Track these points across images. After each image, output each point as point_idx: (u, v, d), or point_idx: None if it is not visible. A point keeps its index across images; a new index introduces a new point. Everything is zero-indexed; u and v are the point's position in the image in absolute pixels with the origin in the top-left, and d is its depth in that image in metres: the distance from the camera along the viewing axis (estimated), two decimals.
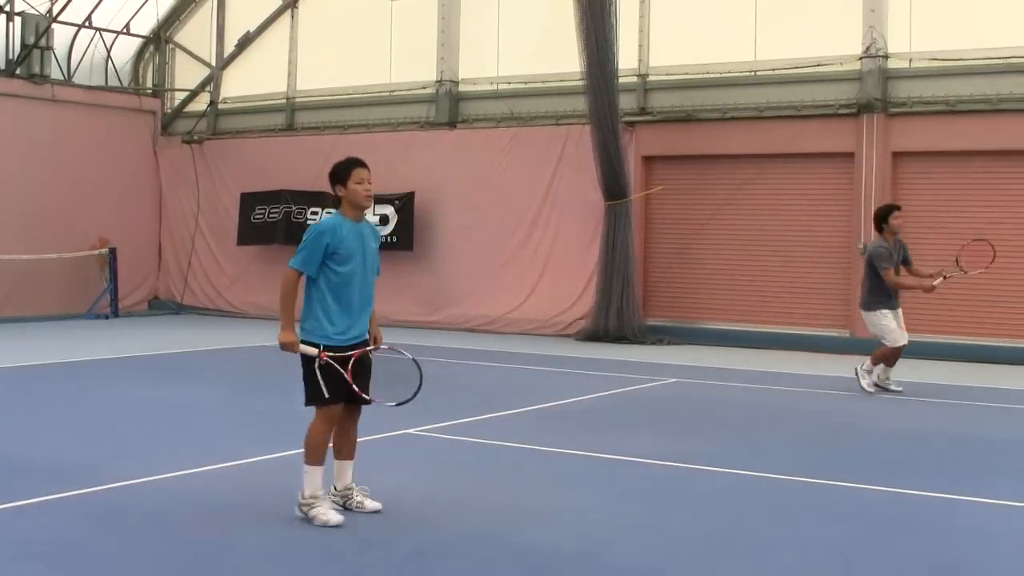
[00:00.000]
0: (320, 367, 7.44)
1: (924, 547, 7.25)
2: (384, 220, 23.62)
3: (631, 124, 21.79)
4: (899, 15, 20.07)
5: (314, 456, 7.54)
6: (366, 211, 7.85)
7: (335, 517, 7.37)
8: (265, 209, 25.08)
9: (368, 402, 7.62)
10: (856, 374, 14.59)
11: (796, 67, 20.79)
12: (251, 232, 25.57)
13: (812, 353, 19.67)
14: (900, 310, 14.48)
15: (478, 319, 23.05)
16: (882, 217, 14.46)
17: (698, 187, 21.72)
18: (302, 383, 7.53)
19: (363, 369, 7.67)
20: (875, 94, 20.00)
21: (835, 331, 20.32)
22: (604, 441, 10.63)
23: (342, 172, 7.74)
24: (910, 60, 20.01)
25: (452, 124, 24.25)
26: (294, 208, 24.87)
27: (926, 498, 8.62)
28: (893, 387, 14.58)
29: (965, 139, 19.35)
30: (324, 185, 24.63)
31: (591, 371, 16.75)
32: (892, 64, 20.13)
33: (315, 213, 24.18)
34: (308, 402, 7.59)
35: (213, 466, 8.67)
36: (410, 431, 10.68)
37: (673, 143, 21.75)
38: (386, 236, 23.60)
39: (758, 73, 21.13)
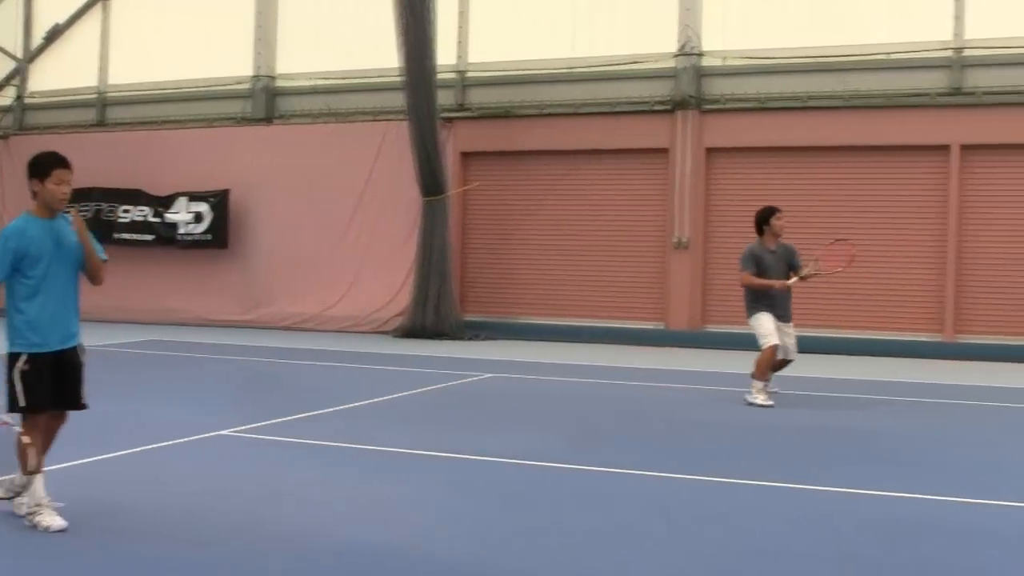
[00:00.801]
0: (21, 373, 6.99)
1: (733, 536, 7.37)
2: (198, 218, 23.15)
3: (449, 120, 21.77)
4: (713, 14, 20.51)
5: (28, 466, 7.18)
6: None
7: (57, 522, 7.08)
8: (74, 207, 24.36)
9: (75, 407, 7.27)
10: (748, 403, 12.71)
11: (612, 64, 21.05)
12: None
13: (629, 345, 19.92)
14: (790, 325, 13.04)
15: (294, 317, 22.71)
16: (763, 219, 13.03)
17: (515, 183, 21.82)
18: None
19: (71, 371, 7.28)
20: (689, 91, 20.36)
21: (651, 323, 20.63)
22: (421, 437, 10.53)
23: (43, 167, 7.11)
24: (724, 58, 20.45)
25: (269, 120, 23.90)
26: (105, 206, 24.18)
27: (743, 486, 8.74)
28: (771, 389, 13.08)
29: (776, 135, 19.85)
30: (137, 182, 23.85)
31: (408, 368, 16.62)
32: (706, 62, 20.54)
33: (127, 211, 23.67)
34: (9, 408, 7.20)
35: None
36: (223, 432, 10.40)
37: (491, 139, 21.80)
38: (200, 234, 23.21)
39: (575, 70, 21.33)
